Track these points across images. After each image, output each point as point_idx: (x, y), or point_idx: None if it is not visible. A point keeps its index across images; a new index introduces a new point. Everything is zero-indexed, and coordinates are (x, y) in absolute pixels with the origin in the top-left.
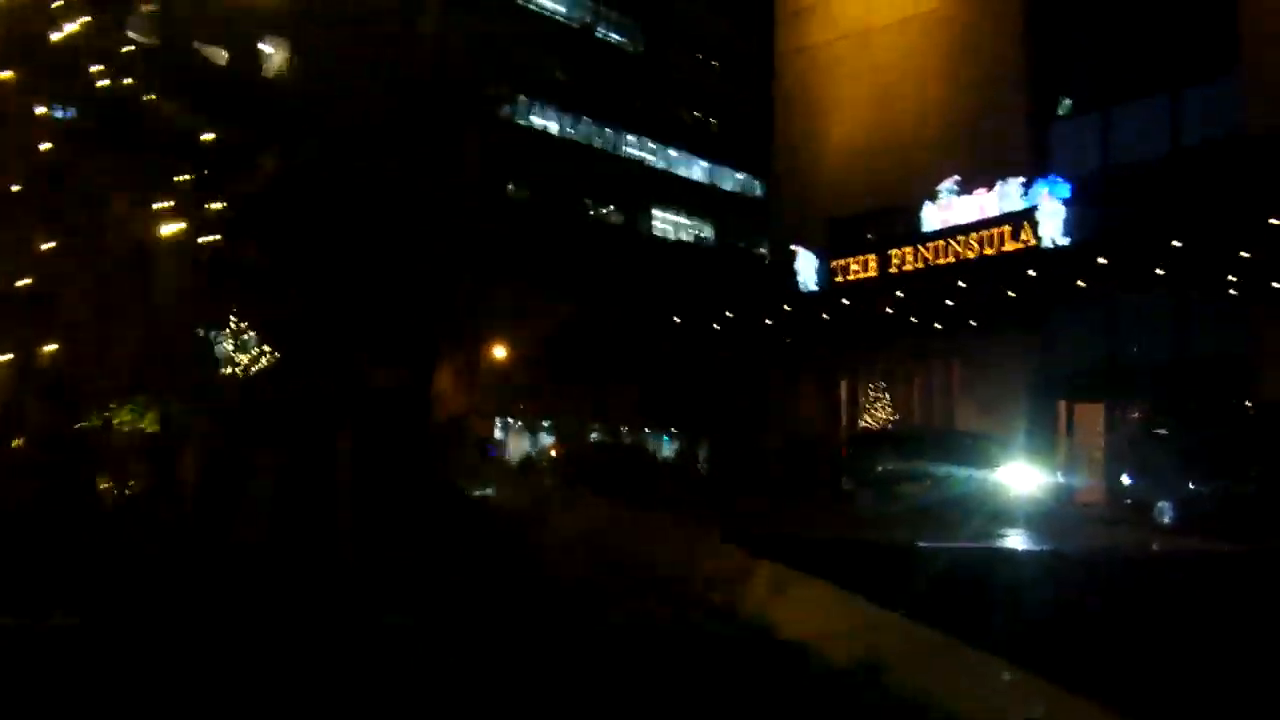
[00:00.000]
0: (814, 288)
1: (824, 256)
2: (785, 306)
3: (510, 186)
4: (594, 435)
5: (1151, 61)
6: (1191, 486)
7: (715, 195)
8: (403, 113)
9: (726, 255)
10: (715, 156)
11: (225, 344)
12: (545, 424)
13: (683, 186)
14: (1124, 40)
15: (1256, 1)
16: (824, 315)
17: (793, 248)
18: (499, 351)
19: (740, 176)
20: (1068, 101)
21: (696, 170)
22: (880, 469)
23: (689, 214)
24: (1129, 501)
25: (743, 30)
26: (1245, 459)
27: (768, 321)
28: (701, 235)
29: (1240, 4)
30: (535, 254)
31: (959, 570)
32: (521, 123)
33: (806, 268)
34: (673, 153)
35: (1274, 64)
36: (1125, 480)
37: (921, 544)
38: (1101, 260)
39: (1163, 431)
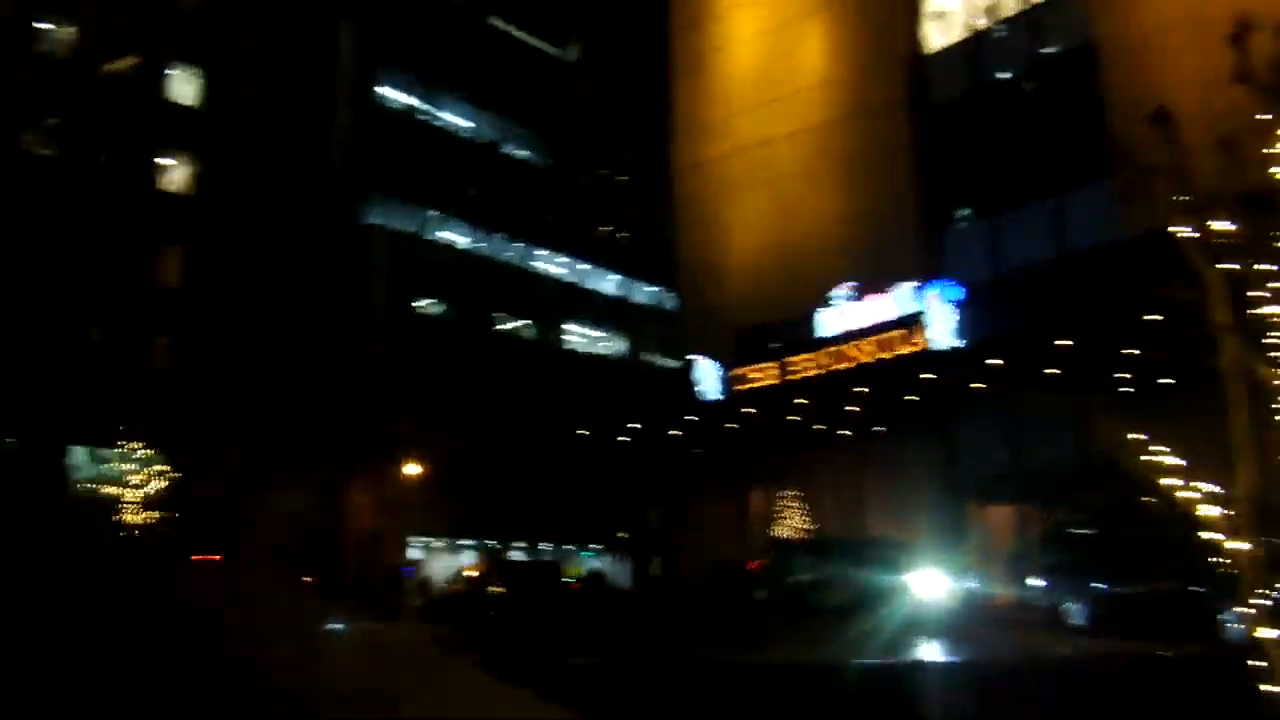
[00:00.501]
0: (716, 397)
1: (725, 365)
2: (689, 417)
3: (422, 303)
4: (515, 555)
5: (1035, 169)
6: (1102, 587)
7: (628, 308)
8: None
9: (639, 369)
10: (627, 270)
11: None
12: (468, 543)
13: (595, 300)
14: (1008, 149)
15: (1124, 107)
16: (727, 425)
17: (690, 357)
18: (412, 469)
19: (653, 289)
20: (966, 211)
21: (608, 284)
22: (790, 579)
23: (602, 327)
24: (1040, 605)
25: (652, 142)
26: (1153, 558)
27: (674, 433)
28: (614, 349)
29: (1108, 112)
30: (448, 370)
31: (873, 687)
32: (430, 239)
33: (708, 377)
34: (584, 266)
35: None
36: (1034, 582)
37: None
38: (994, 361)
39: (1071, 532)
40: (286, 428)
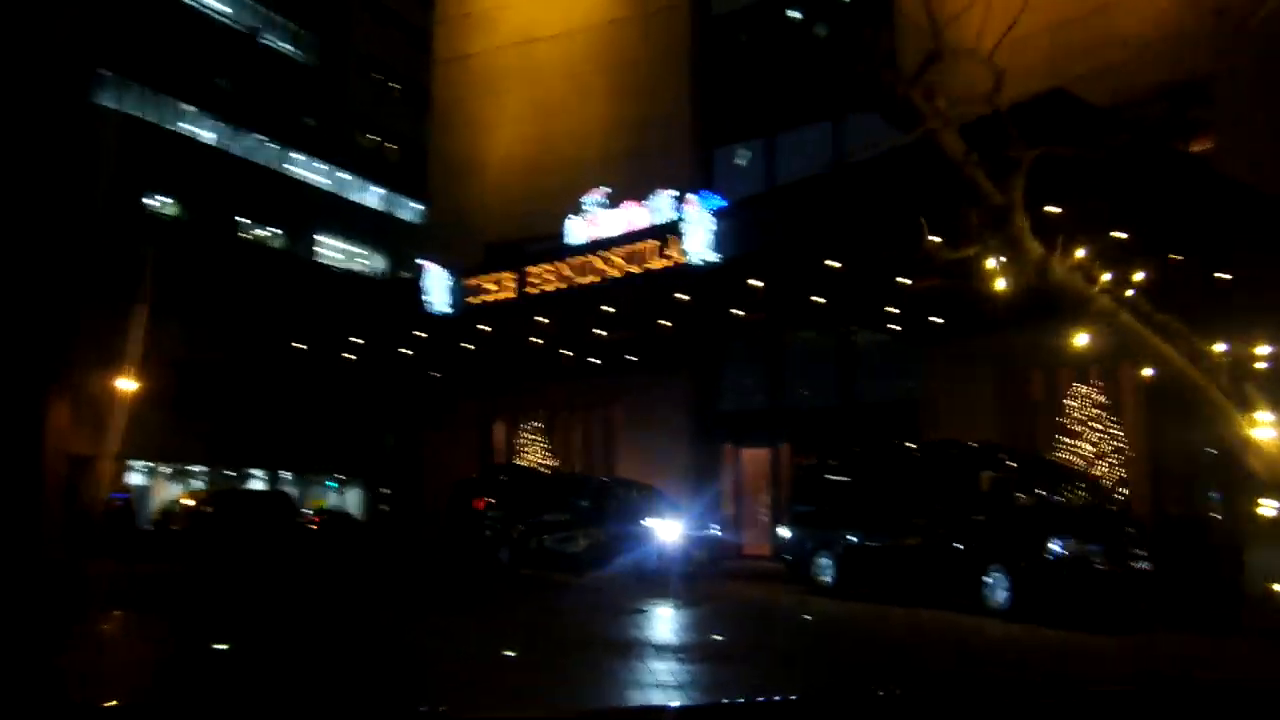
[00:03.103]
0: (445, 310)
1: (458, 275)
2: (416, 332)
3: (156, 200)
4: (255, 484)
5: (816, 90)
6: (854, 540)
7: (391, 224)
8: None
9: (381, 283)
10: (393, 185)
11: None
12: (198, 469)
13: (354, 213)
14: (790, 67)
15: (912, 39)
16: (462, 344)
17: (420, 262)
18: (129, 384)
19: (420, 207)
20: (741, 128)
21: (371, 197)
22: (524, 522)
23: (361, 243)
24: (789, 557)
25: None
26: (913, 510)
27: (404, 351)
28: (373, 267)
29: (898, 42)
30: (182, 275)
31: None
32: (171, 129)
33: (437, 286)
34: (345, 176)
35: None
36: (784, 533)
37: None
38: (753, 282)
39: (826, 478)
40: None
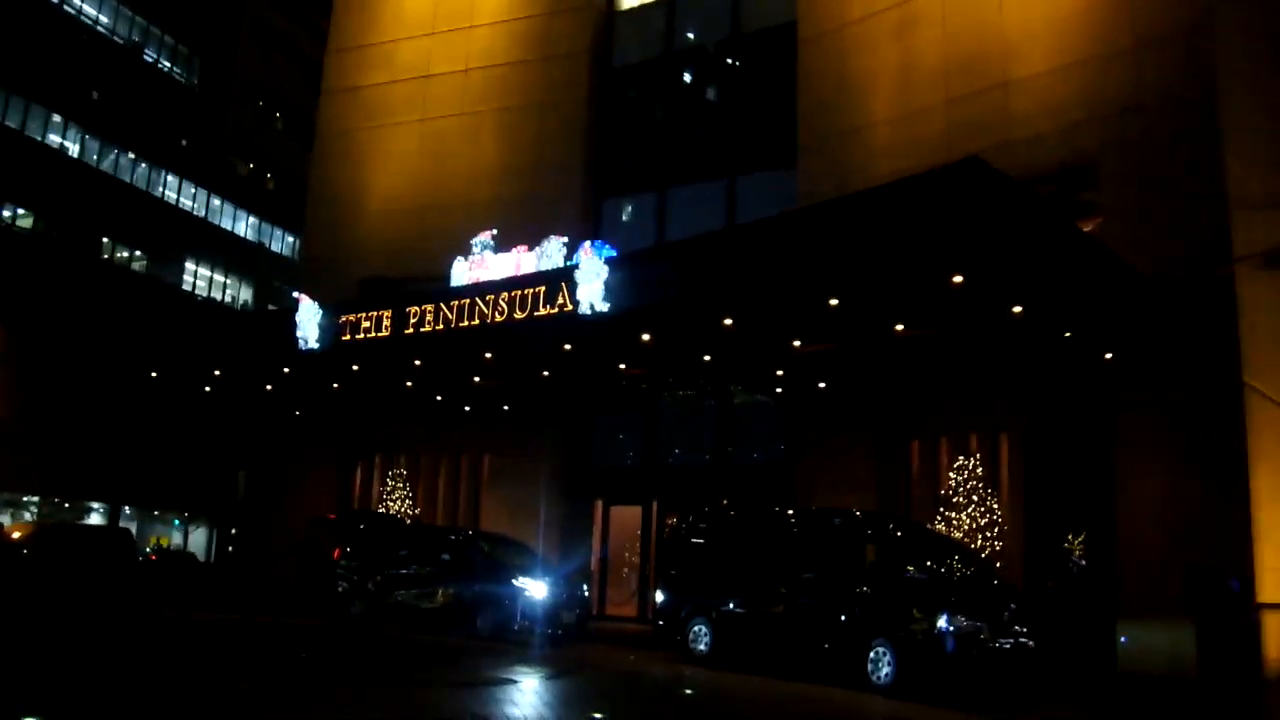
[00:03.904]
0: (316, 346)
1: (333, 310)
2: (284, 369)
3: (11, 211)
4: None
5: (714, 147)
6: (732, 608)
7: (263, 256)
8: None
9: (263, 319)
10: (269, 215)
11: None
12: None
13: (225, 241)
14: (689, 123)
15: (815, 92)
16: (332, 383)
17: (296, 295)
18: None
19: (293, 239)
20: (635, 180)
21: (244, 226)
22: (382, 574)
23: (230, 272)
24: (661, 622)
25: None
26: (791, 576)
27: (269, 387)
28: (241, 297)
29: (800, 96)
30: (32, 294)
31: None
32: (33, 138)
33: (309, 322)
34: (218, 203)
35: (819, 164)
36: (659, 596)
37: None
38: (644, 336)
39: (698, 541)
40: None
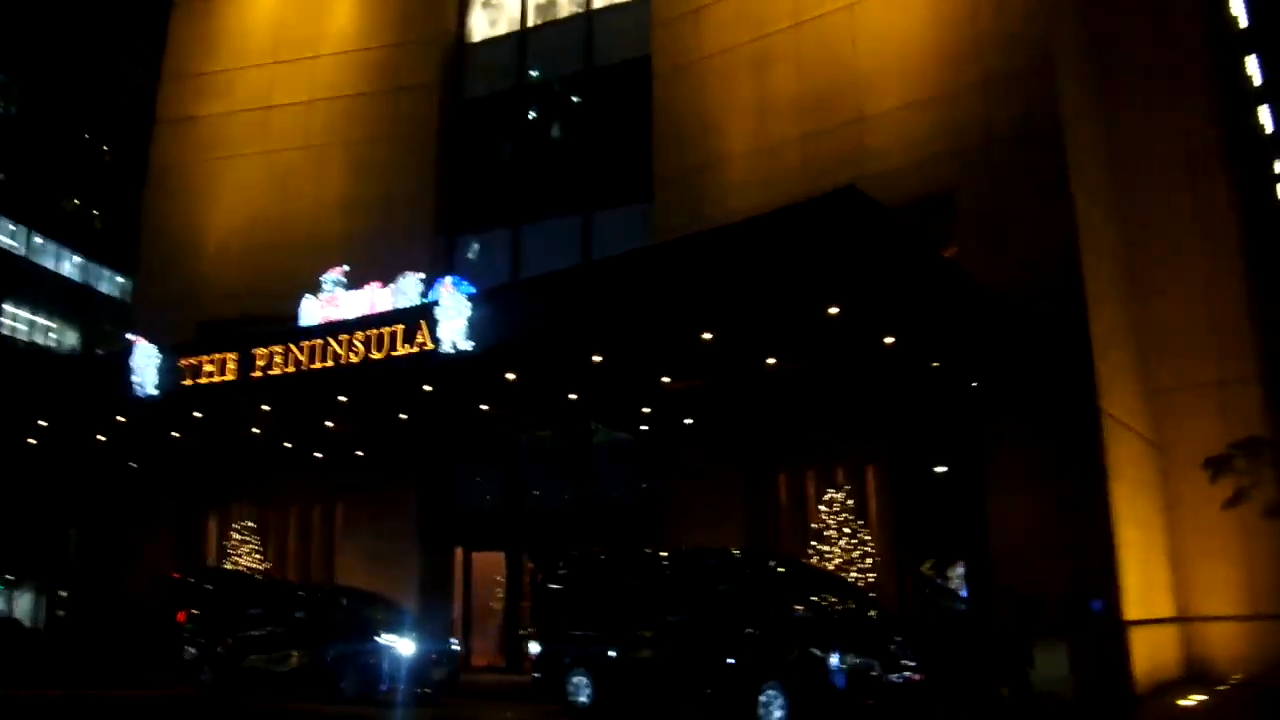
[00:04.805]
0: (153, 392)
1: (172, 353)
2: (117, 417)
3: None
4: None
5: (568, 182)
6: (614, 655)
7: (89, 297)
8: None
9: (93, 364)
10: (96, 254)
11: None
12: None
13: (47, 281)
14: (542, 157)
15: (669, 126)
16: (172, 432)
17: (129, 337)
18: None
19: (125, 281)
20: (487, 214)
21: (68, 266)
22: (230, 637)
23: (52, 314)
24: (538, 675)
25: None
26: (673, 620)
27: (100, 438)
28: (65, 342)
29: (654, 132)
30: None
31: None
32: None
33: (145, 366)
34: (39, 241)
35: (676, 199)
36: (534, 647)
37: None
38: (509, 375)
39: (577, 587)
40: None
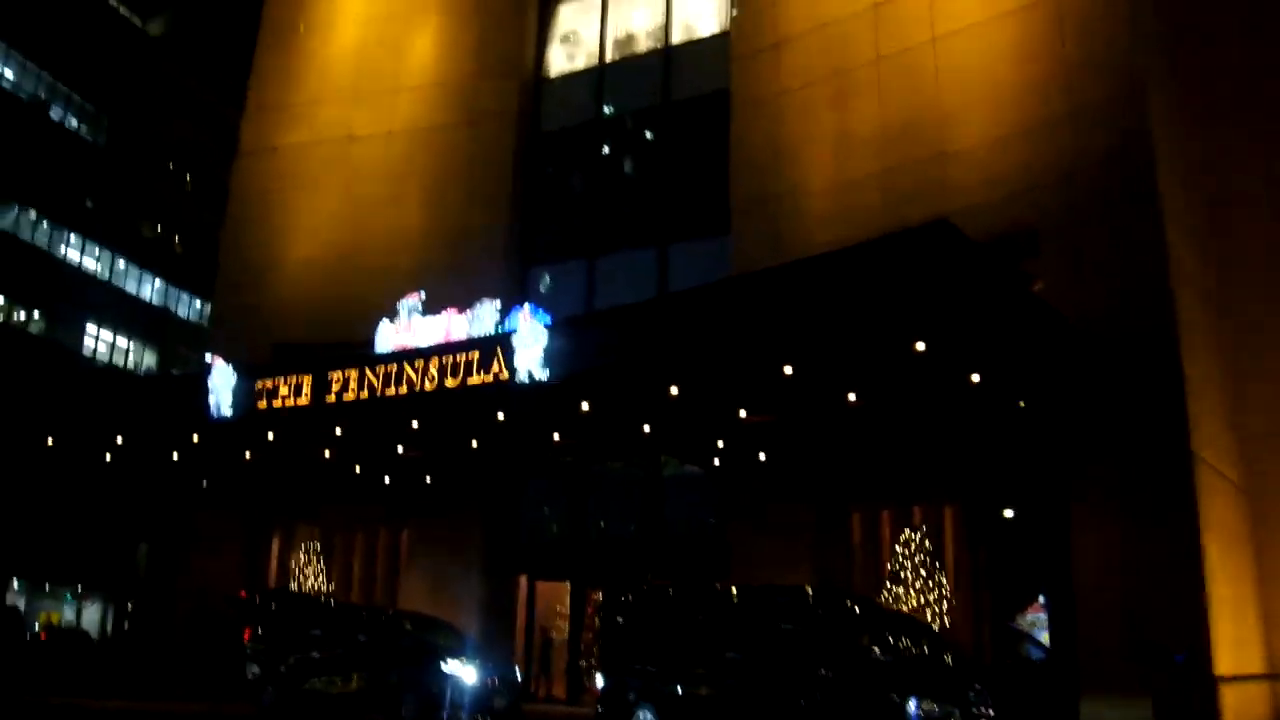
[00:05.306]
0: (228, 413)
1: (248, 375)
2: (193, 437)
3: None
4: None
5: (644, 215)
6: (681, 693)
7: (169, 321)
8: None
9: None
10: (177, 279)
11: None
12: None
13: (129, 305)
14: (617, 191)
15: (749, 159)
16: (245, 452)
17: (208, 358)
18: None
19: (199, 304)
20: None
21: (150, 290)
22: (292, 657)
23: (132, 335)
24: (602, 708)
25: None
26: (743, 658)
27: (175, 457)
28: (145, 363)
29: (731, 165)
30: None
31: None
32: None
33: (222, 387)
34: (124, 265)
35: (753, 233)
36: (599, 681)
37: None
38: (584, 406)
39: (640, 621)
40: None
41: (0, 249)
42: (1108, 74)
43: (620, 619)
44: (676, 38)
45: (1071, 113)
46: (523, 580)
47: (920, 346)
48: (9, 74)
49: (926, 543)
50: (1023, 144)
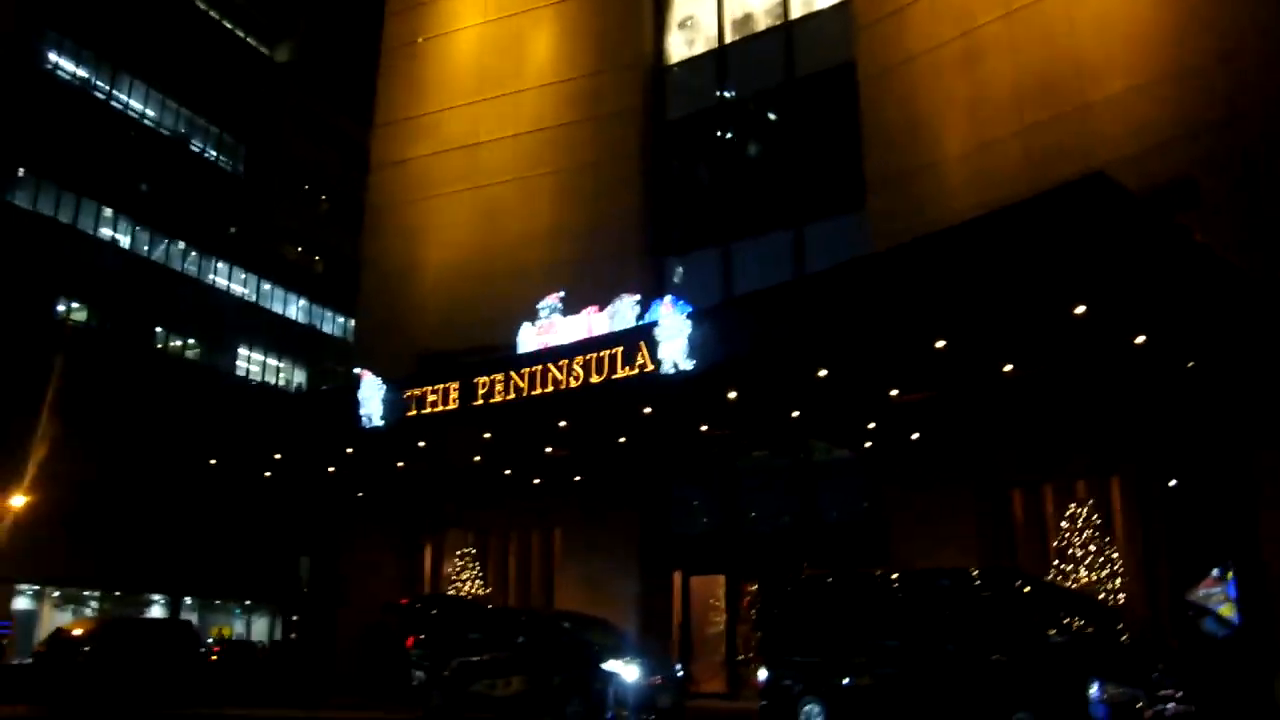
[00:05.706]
0: (379, 423)
1: (396, 385)
2: (346, 448)
3: (66, 306)
4: (154, 611)
5: (777, 197)
6: (849, 684)
7: (314, 338)
8: None
9: (323, 399)
10: (318, 297)
11: None
12: (91, 594)
13: (276, 325)
14: (748, 173)
15: (880, 132)
16: (396, 461)
17: (357, 371)
18: (20, 500)
19: (345, 321)
20: (697, 234)
21: (295, 310)
22: (455, 661)
23: (282, 355)
24: (766, 702)
25: (363, 164)
26: (911, 646)
27: (330, 469)
28: (294, 380)
29: (864, 140)
30: (90, 386)
31: None
32: (87, 233)
33: (372, 398)
34: (268, 287)
35: (891, 205)
36: (762, 674)
37: None
38: (731, 394)
39: (799, 611)
40: None
41: (154, 280)
42: (1267, 6)
43: (778, 610)
44: (795, 12)
45: (1224, 53)
46: (677, 576)
47: (1080, 310)
48: (150, 113)
49: (1095, 517)
50: (1173, 89)
